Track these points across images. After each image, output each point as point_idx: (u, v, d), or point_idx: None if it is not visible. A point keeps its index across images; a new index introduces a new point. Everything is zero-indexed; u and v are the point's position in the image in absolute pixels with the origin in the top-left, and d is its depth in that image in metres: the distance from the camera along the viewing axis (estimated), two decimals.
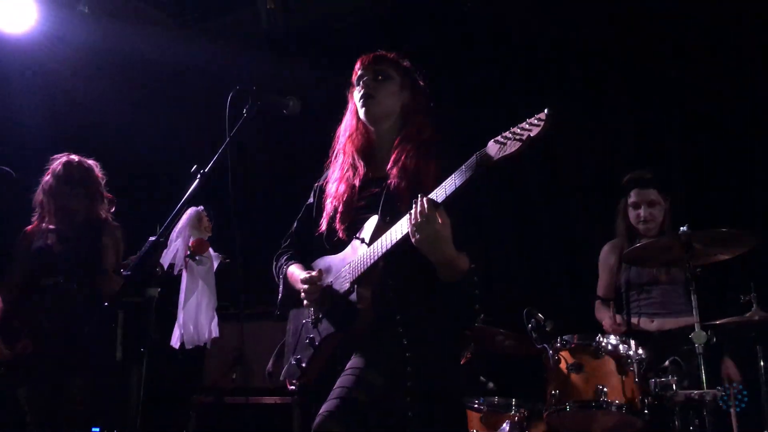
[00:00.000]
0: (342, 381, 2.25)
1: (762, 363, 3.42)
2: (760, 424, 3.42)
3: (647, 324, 3.91)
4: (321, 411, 2.20)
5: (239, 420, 4.63)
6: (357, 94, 2.55)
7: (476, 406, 3.79)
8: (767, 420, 3.39)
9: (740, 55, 4.69)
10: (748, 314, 3.43)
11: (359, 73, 2.57)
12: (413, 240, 2.17)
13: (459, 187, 2.10)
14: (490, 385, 3.93)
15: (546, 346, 3.46)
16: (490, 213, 4.97)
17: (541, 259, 4.94)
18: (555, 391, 3.33)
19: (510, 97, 5.22)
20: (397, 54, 2.63)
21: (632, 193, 4.05)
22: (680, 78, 4.82)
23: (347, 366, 2.30)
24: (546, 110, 1.95)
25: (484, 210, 4.59)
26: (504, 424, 3.56)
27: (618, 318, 3.87)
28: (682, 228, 3.40)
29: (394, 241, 2.25)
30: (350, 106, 2.63)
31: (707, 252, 3.45)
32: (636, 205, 4.04)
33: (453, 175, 2.13)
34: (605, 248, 4.23)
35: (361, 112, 2.54)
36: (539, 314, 3.62)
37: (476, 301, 2.32)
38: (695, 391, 3.12)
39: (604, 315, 4.03)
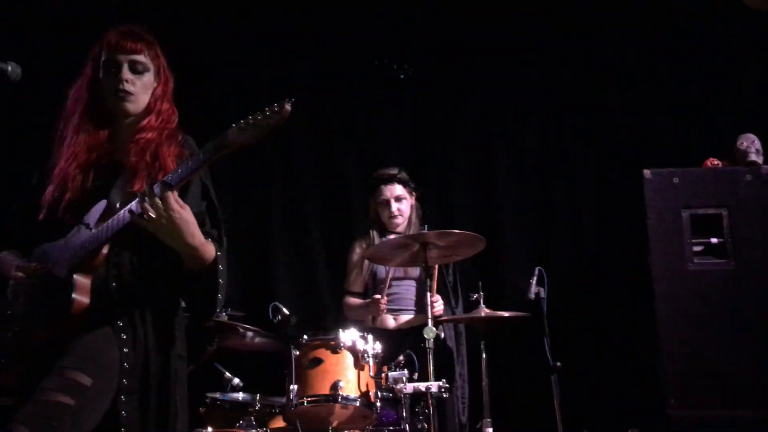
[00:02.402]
0: (45, 382, 2.03)
1: (484, 356, 3.73)
2: (480, 413, 3.72)
3: (389, 320, 4.08)
4: (15, 416, 1.97)
5: None
6: (110, 84, 2.29)
7: (218, 402, 3.70)
8: (488, 409, 3.70)
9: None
10: (475, 311, 3.74)
11: (112, 54, 2.30)
12: (148, 225, 2.04)
13: (194, 170, 2.06)
14: (236, 381, 3.85)
15: (289, 341, 3.47)
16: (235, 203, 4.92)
17: (291, 254, 4.97)
18: (294, 386, 3.34)
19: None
20: (148, 31, 2.44)
21: (379, 190, 4.19)
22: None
23: (55, 365, 2.07)
24: (285, 100, 2.00)
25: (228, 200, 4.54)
26: (241, 421, 3.51)
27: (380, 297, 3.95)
28: (421, 228, 3.60)
29: (120, 225, 2.10)
30: (87, 73, 2.35)
31: (443, 252, 3.67)
32: (384, 201, 4.19)
33: (189, 159, 2.09)
34: (355, 244, 4.33)
35: (115, 107, 2.31)
36: (285, 309, 3.64)
37: (219, 292, 2.21)
38: (422, 384, 3.30)
39: (360, 305, 4.12)
